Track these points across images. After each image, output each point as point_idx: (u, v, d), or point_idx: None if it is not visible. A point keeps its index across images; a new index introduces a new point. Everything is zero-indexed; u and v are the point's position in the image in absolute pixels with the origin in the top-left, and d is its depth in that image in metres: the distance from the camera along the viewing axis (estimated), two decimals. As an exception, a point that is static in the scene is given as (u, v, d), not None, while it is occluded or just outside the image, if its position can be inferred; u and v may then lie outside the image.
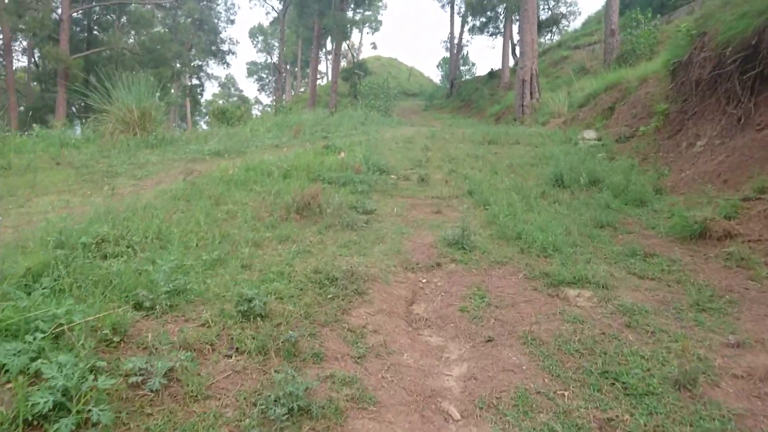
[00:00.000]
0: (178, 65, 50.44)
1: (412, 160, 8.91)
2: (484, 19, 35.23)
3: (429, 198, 6.36)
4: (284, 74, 63.96)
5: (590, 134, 11.56)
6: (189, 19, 52.16)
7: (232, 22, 70.39)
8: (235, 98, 77.25)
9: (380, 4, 56.51)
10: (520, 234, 4.58)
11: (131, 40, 42.80)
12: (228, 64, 58.40)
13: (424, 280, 3.84)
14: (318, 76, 55.67)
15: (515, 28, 35.40)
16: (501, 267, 4.05)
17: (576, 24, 40.86)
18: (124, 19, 41.79)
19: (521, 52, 19.85)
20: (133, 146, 8.37)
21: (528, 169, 8.42)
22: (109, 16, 41.26)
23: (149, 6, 42.64)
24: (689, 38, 7.76)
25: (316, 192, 4.86)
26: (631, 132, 10.89)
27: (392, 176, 7.59)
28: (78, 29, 36.58)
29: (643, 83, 12.57)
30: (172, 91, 52.55)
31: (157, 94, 10.29)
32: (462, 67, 43.98)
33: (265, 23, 65.30)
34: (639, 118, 11.45)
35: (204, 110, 68.75)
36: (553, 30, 38.08)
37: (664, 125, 8.74)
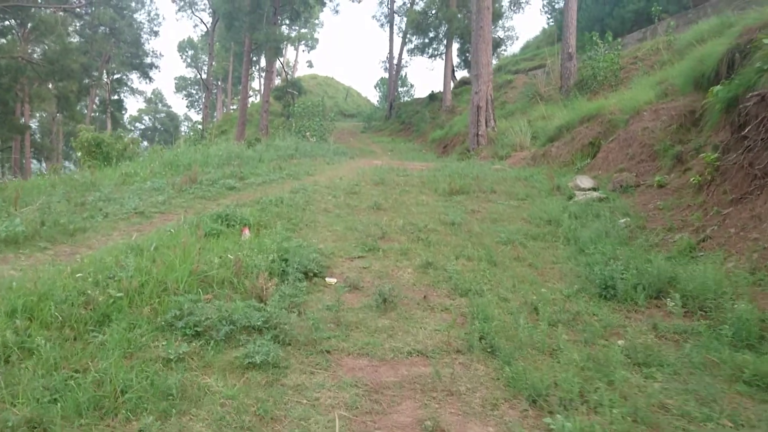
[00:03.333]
0: (92, 78, 44.68)
1: (361, 235, 5.72)
2: (426, 40, 33.23)
3: (403, 358, 3.17)
4: (214, 91, 59.11)
5: (585, 182, 8.97)
6: (106, 29, 46.86)
7: (156, 33, 64.52)
8: (163, 114, 71.66)
9: (317, 21, 53.83)
10: None
11: (41, 49, 37.61)
12: (151, 79, 53.19)
13: None
14: (250, 93, 51.62)
15: (455, 49, 33.71)
16: None
17: (514, 48, 40.14)
18: (30, 25, 36.40)
19: (475, 75, 17.51)
20: None
21: (538, 252, 5.49)
22: (8, 21, 35.80)
23: (62, 13, 37.23)
24: (765, 60, 5.26)
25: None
26: (635, 180, 8.48)
27: (329, 281, 4.37)
28: (-28, 33, 31.27)
29: (636, 116, 10.28)
30: (85, 108, 46.48)
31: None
32: (400, 88, 42.06)
33: (195, 37, 60.70)
34: (639, 161, 9.06)
35: (129, 126, 62.13)
36: (493, 54, 37.03)
37: (713, 180, 6.20)
